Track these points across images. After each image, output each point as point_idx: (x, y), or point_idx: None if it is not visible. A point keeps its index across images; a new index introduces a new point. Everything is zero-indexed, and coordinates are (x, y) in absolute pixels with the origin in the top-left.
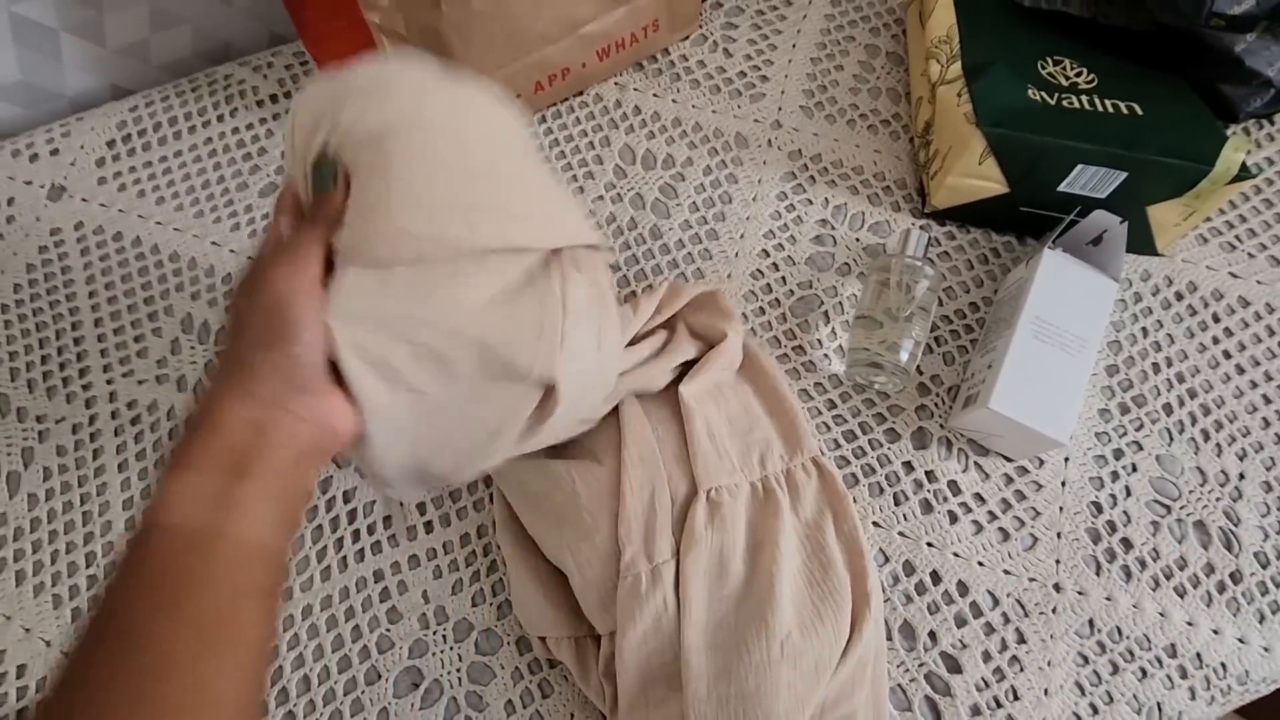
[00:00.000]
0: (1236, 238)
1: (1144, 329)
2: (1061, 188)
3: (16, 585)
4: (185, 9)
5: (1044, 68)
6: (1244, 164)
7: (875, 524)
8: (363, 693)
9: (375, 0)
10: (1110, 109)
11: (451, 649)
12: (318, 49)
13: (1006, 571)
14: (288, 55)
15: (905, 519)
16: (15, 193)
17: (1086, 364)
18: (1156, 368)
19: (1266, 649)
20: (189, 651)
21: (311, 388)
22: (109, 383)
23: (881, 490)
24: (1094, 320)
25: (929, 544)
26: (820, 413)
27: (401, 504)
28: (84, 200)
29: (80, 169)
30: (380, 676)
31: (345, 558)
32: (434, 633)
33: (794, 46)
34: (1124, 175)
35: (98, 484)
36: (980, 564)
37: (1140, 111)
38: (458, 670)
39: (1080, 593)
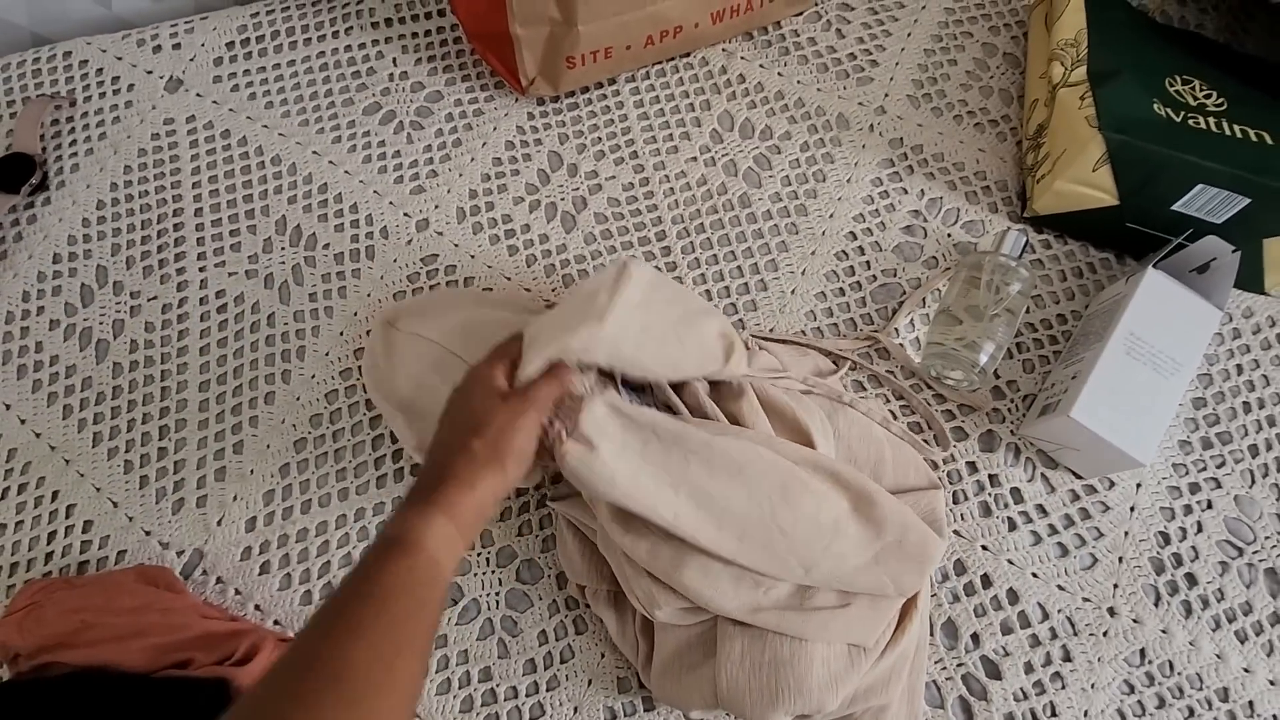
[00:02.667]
0: None
1: (1239, 366)
2: (1176, 206)
3: (93, 446)
4: None
5: (1171, 85)
6: None
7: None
8: None
9: None
10: (1239, 134)
11: (493, 573)
12: None
13: (1060, 587)
14: None
15: (963, 518)
16: (136, 80)
17: (1179, 387)
18: (1247, 407)
19: None
20: (416, 649)
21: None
22: (201, 270)
23: (941, 484)
24: (1192, 345)
25: (984, 547)
26: (889, 400)
27: None
28: (199, 95)
29: (199, 65)
30: None
31: (402, 469)
32: (478, 555)
33: (909, 35)
34: (1246, 201)
35: (179, 363)
36: (1034, 575)
37: (1270, 141)
38: (497, 594)
39: (1135, 620)
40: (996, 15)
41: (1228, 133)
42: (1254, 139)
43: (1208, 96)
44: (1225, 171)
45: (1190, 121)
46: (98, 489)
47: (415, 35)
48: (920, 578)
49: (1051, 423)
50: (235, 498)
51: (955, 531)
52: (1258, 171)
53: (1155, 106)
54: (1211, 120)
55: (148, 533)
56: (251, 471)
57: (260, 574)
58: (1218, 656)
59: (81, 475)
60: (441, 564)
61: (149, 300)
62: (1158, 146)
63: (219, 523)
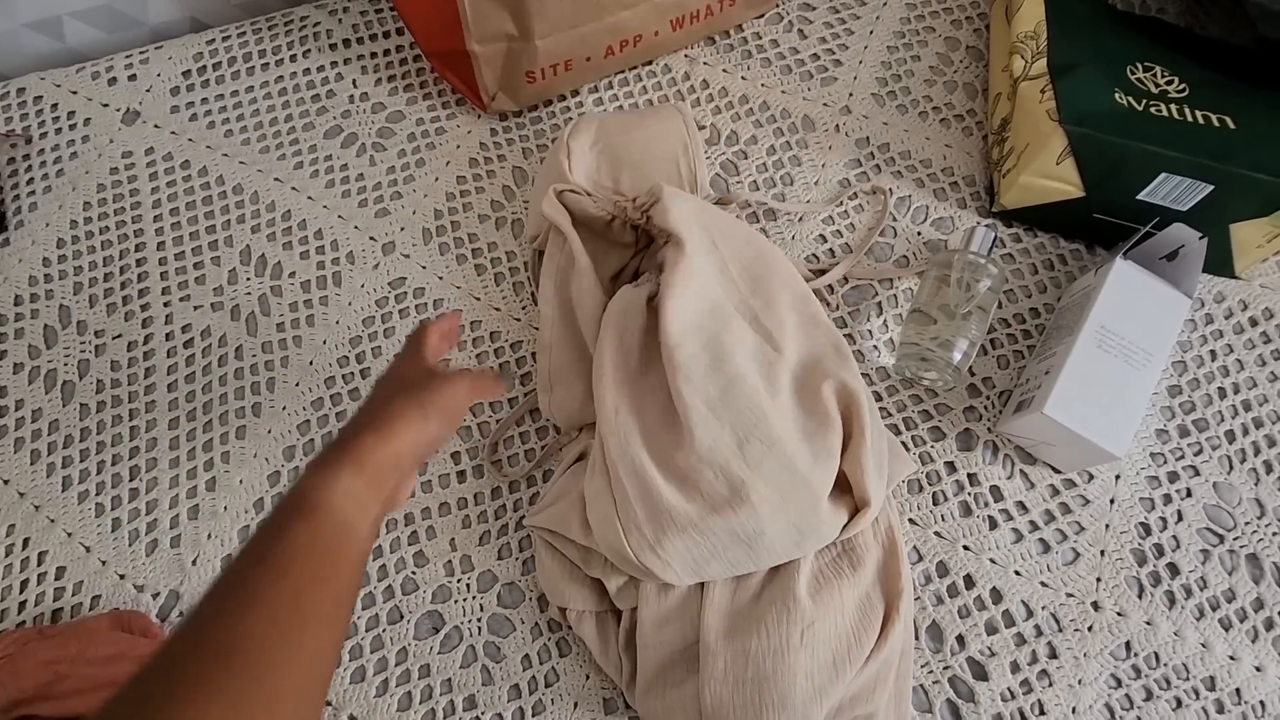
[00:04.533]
0: None
1: (1212, 352)
2: (1141, 196)
3: (63, 490)
4: None
5: (1133, 73)
6: None
7: (912, 521)
8: (384, 630)
9: None
10: (1201, 120)
11: (474, 598)
12: None
13: (1044, 584)
14: (363, 1)
15: (943, 519)
16: (92, 114)
17: (1150, 379)
18: (1222, 393)
19: None
20: (324, 618)
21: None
22: (166, 305)
23: (921, 488)
24: (1162, 335)
25: (965, 547)
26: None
27: (435, 451)
28: (156, 126)
29: (155, 96)
30: (402, 617)
31: None
32: (458, 580)
33: (871, 33)
34: (1209, 188)
35: (147, 401)
36: (1017, 573)
37: (1233, 125)
38: (478, 620)
39: (1120, 614)
40: (958, 9)
41: (1190, 119)
42: (1216, 124)
43: (1169, 83)
44: (1187, 160)
45: (1152, 109)
46: (69, 534)
47: (374, 55)
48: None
49: (1026, 419)
50: (210, 536)
51: (936, 533)
52: (1220, 158)
53: (1116, 96)
54: (1174, 107)
55: (122, 576)
56: (225, 508)
57: None
58: (1203, 645)
59: (52, 521)
60: (352, 524)
61: (114, 338)
62: (1119, 138)
63: (194, 562)
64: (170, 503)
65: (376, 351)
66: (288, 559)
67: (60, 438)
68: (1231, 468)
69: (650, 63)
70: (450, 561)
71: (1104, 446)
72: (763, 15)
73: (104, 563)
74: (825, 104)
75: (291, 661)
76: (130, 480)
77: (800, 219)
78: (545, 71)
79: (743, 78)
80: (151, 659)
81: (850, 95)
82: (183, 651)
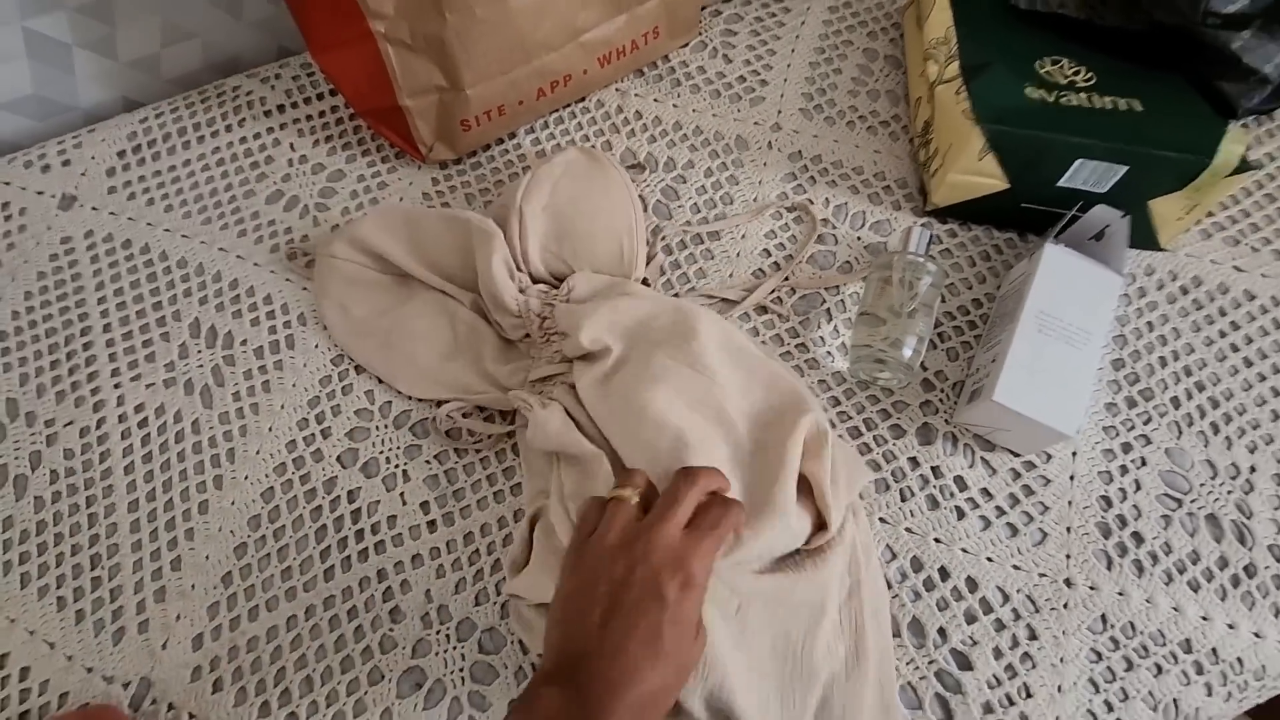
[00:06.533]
0: (1240, 232)
1: (1149, 323)
2: (1062, 183)
3: (21, 588)
4: (195, 23)
5: (1041, 67)
6: (1244, 157)
7: (881, 520)
8: (366, 693)
9: (381, 10)
10: (1110, 105)
11: (455, 648)
12: (324, 58)
13: (1016, 567)
14: (294, 67)
15: (912, 515)
16: (27, 203)
17: (1092, 357)
18: (1163, 361)
19: None
20: None
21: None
22: (117, 387)
23: (887, 486)
24: (1098, 313)
25: (936, 540)
26: (824, 410)
27: (404, 501)
28: (94, 209)
29: (91, 179)
30: (384, 677)
31: (349, 557)
32: (437, 632)
33: (793, 51)
34: (1124, 169)
35: (104, 486)
36: (989, 560)
37: (1140, 108)
38: (461, 670)
39: (1092, 588)
40: (872, 20)
41: (1100, 106)
42: (1124, 108)
43: (1077, 73)
44: (1100, 145)
45: (1063, 100)
46: (31, 632)
47: (310, 118)
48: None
49: (980, 408)
50: (179, 617)
51: (907, 529)
52: (1131, 140)
53: (1028, 91)
54: (1083, 96)
55: (89, 669)
56: (193, 587)
57: (213, 693)
58: (1175, 610)
59: (12, 620)
60: None
61: (65, 426)
62: (1033, 130)
63: (164, 646)
64: (135, 587)
65: (335, 410)
66: None
67: (15, 534)
68: (1181, 433)
69: (583, 99)
70: (427, 614)
71: (1055, 426)
72: (687, 44)
73: (70, 658)
74: (756, 123)
75: None
76: (92, 569)
77: (743, 236)
78: (480, 119)
79: (674, 105)
80: None
81: (779, 112)
82: None
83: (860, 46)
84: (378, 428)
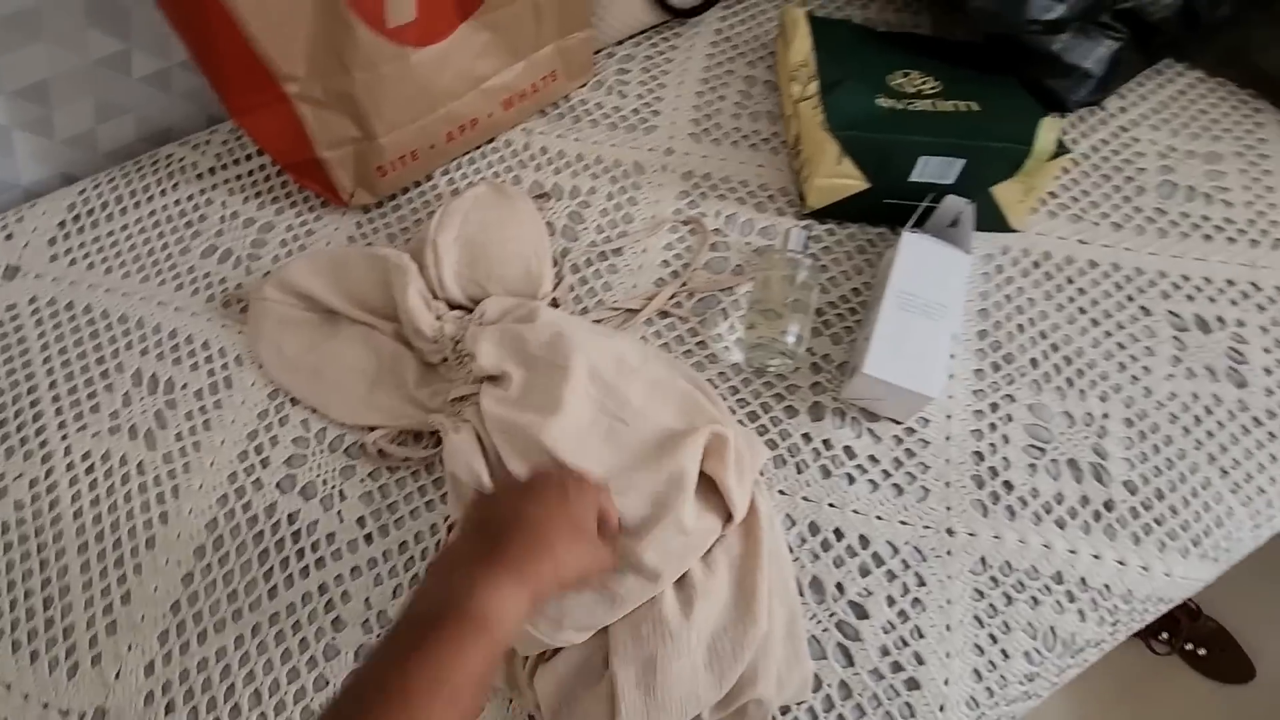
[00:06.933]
0: (1081, 210)
1: (1008, 295)
2: (913, 178)
3: None
4: (128, 99)
5: (893, 80)
6: (1060, 142)
7: (781, 492)
8: (312, 699)
9: (292, 73)
10: (951, 109)
11: None
12: (245, 120)
13: (903, 522)
14: (224, 132)
15: (808, 485)
16: None
17: (948, 326)
18: (1021, 328)
19: (1145, 568)
20: None
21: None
22: (64, 438)
23: (785, 462)
24: (951, 288)
25: (830, 504)
26: (725, 398)
27: (342, 519)
28: (37, 276)
29: (33, 249)
30: (329, 683)
31: (291, 575)
32: (377, 636)
33: (680, 83)
34: (963, 162)
35: (54, 532)
36: (879, 518)
37: (977, 108)
38: None
39: (971, 534)
40: (750, 50)
41: (941, 109)
42: (964, 110)
43: (924, 83)
44: (936, 142)
45: (910, 107)
46: None
47: (240, 177)
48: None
49: (857, 382)
50: (130, 647)
51: (804, 498)
52: (966, 135)
53: (879, 101)
54: (928, 102)
55: (45, 705)
56: (143, 618)
57: (166, 715)
58: (1045, 546)
59: None
60: (504, 642)
61: (14, 480)
62: (880, 134)
63: (117, 676)
64: (87, 623)
65: (273, 441)
66: (461, 683)
67: None
68: (1040, 389)
69: (493, 140)
70: (368, 619)
71: (920, 391)
72: (585, 85)
73: (26, 696)
74: (650, 149)
75: None
76: (45, 610)
77: (644, 251)
78: (395, 164)
79: (575, 140)
80: None
81: (671, 138)
82: None
83: (741, 74)
84: (314, 454)
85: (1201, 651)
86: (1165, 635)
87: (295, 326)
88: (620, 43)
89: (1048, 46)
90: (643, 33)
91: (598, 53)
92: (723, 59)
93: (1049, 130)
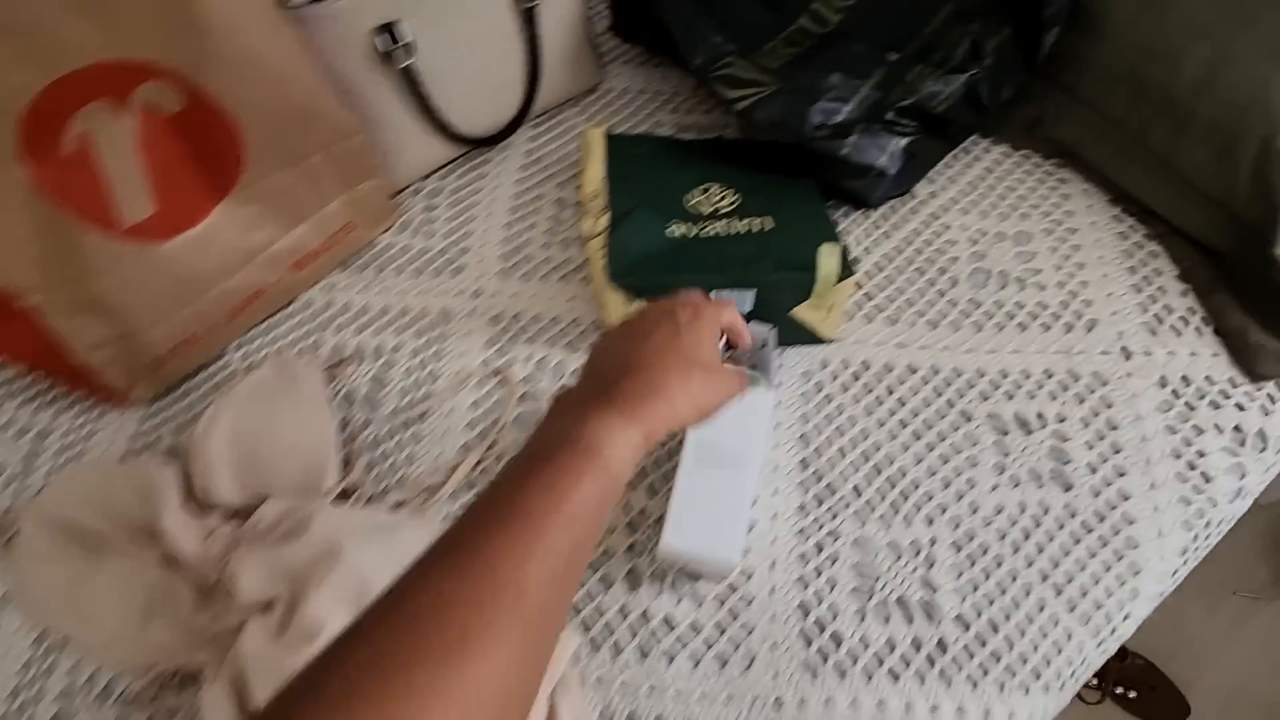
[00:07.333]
0: (897, 309)
1: (827, 417)
2: None
3: None
4: None
5: (691, 199)
6: (844, 264)
7: (598, 679)
8: None
9: (27, 284)
10: (745, 229)
11: None
12: None
13: (729, 697)
14: None
15: (625, 667)
16: None
17: (750, 478)
18: (843, 452)
19: (987, 712)
20: (578, 576)
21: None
22: None
23: (599, 646)
24: (754, 432)
25: (651, 688)
26: None
27: None
28: None
29: None
30: None
31: None
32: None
33: (489, 215)
34: (754, 291)
35: None
36: (702, 695)
37: (771, 225)
38: None
39: (801, 700)
40: (560, 171)
41: (735, 231)
42: (757, 229)
43: (721, 200)
44: (724, 278)
45: (703, 232)
46: None
47: (9, 381)
48: None
49: (660, 553)
50: None
51: (622, 683)
52: (753, 265)
53: (670, 229)
54: (723, 223)
55: None
56: None
57: None
58: (879, 704)
59: None
60: (623, 487)
61: None
62: (663, 277)
63: None
64: None
65: (38, 696)
66: (576, 510)
67: None
68: (864, 522)
69: (290, 303)
70: None
71: (719, 558)
72: (389, 229)
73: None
74: (458, 293)
75: (559, 615)
76: None
77: (450, 412)
78: (171, 354)
79: (379, 291)
80: (428, 577)
81: (479, 278)
82: (470, 583)
83: (551, 198)
84: (82, 708)
85: (1133, 694)
86: (1095, 681)
87: (55, 563)
88: (426, 176)
89: (837, 151)
90: (451, 163)
91: (402, 191)
92: (533, 183)
93: (828, 258)
